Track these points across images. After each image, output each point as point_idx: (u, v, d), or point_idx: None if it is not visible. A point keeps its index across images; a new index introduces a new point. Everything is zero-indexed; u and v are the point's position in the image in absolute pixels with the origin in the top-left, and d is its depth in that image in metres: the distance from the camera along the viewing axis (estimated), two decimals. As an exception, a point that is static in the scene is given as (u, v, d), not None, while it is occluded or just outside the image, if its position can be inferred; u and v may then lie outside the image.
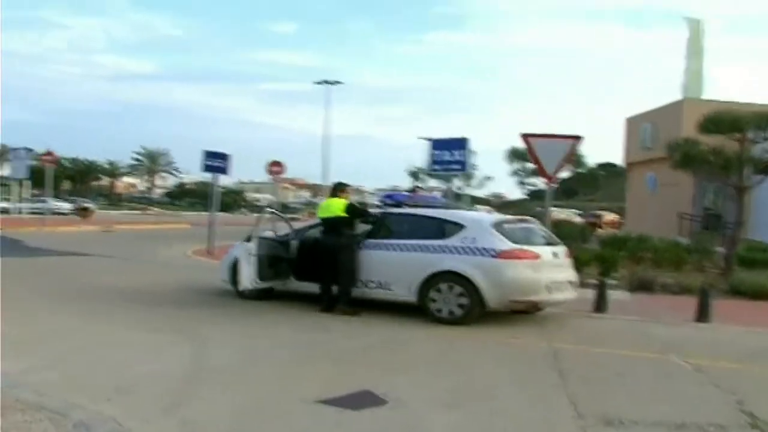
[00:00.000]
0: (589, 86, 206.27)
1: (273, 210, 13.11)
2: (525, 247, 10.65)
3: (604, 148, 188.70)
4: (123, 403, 5.95)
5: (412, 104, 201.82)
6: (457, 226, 10.96)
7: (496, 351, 8.79)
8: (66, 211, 61.01)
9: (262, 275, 11.42)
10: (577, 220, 61.86)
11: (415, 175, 57.14)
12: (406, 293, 10.90)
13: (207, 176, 24.33)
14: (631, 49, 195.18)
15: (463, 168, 15.61)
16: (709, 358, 8.67)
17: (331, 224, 11.34)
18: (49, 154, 38.92)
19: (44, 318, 10.07)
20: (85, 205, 59.31)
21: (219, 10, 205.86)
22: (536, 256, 10.63)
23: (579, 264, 16.94)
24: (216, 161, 22.33)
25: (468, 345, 9.12)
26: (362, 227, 11.65)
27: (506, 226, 11.06)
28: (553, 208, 60.63)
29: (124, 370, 7.09)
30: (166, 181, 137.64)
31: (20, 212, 45.96)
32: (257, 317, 10.70)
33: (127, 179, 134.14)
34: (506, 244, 10.52)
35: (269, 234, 12.37)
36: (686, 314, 11.74)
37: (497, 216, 11.70)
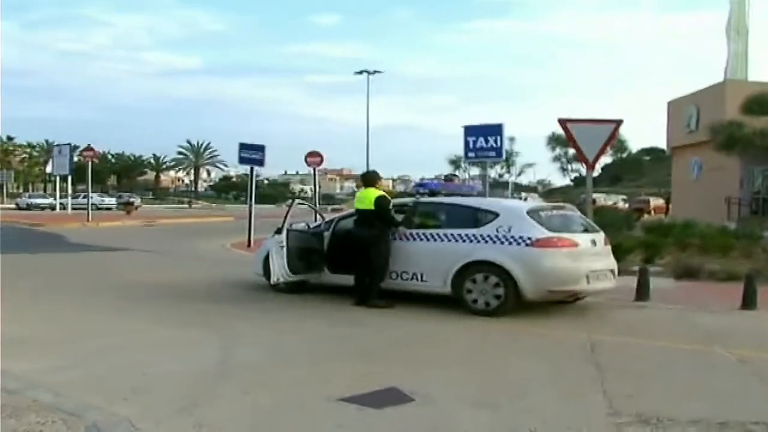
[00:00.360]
0: (632, 72, 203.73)
1: (302, 200, 12.92)
2: (562, 235, 10.31)
3: (649, 133, 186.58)
4: (140, 403, 5.78)
5: (456, 93, 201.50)
6: (491, 215, 10.65)
7: (531, 344, 8.47)
8: (111, 206, 61.74)
9: (293, 268, 11.24)
10: (624, 206, 61.15)
11: (455, 163, 56.51)
12: (441, 285, 10.62)
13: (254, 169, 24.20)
14: (673, 33, 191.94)
15: (498, 154, 15.23)
16: (755, 349, 8.26)
17: (364, 216, 11.08)
18: (89, 149, 39.30)
19: (73, 315, 10.00)
20: (130, 200, 59.76)
21: (260, 4, 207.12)
22: (574, 244, 10.28)
23: (622, 251, 16.55)
24: (252, 153, 22.23)
25: (502, 338, 8.82)
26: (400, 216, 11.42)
27: (542, 213, 10.72)
28: (599, 195, 59.70)
29: (146, 369, 6.93)
30: (211, 175, 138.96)
31: (65, 208, 46.44)
32: (289, 311, 10.53)
33: (173, 173, 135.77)
34: (542, 232, 10.19)
35: (301, 226, 12.19)
36: (732, 302, 11.26)
37: (533, 203, 11.38)
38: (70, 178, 41.33)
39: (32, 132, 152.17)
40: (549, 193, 76.33)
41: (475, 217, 10.83)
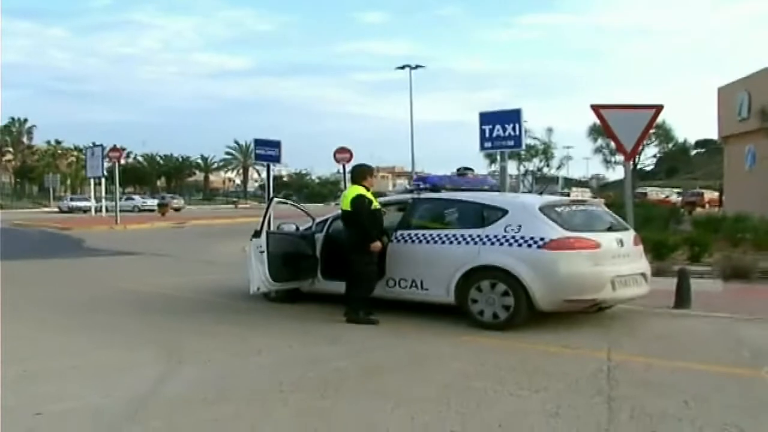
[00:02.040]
0: (684, 63, 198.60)
1: (283, 199, 11.55)
2: (581, 235, 8.77)
3: (702, 125, 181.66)
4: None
5: (506, 88, 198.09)
6: (499, 212, 9.16)
7: (537, 368, 6.93)
8: (153, 208, 61.30)
9: (275, 275, 9.86)
10: (677, 200, 58.77)
11: (491, 156, 54.48)
12: (444, 293, 9.15)
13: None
14: (726, 21, 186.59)
15: (517, 144, 13.63)
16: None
17: (344, 218, 9.65)
18: (115, 150, 38.60)
19: (19, 332, 8.75)
20: (164, 201, 59.22)
21: (306, 3, 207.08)
22: (595, 245, 8.73)
23: (666, 249, 14.92)
24: (268, 149, 20.86)
25: (504, 360, 7.30)
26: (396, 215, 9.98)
27: (558, 209, 9.17)
28: (652, 188, 57.44)
29: (49, 405, 5.66)
30: (262, 175, 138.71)
31: (99, 210, 45.87)
32: (263, 326, 9.19)
33: (224, 174, 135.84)
34: (557, 232, 8.67)
35: (290, 228, 10.85)
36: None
37: (546, 198, 9.82)
38: (117, 181, 40.44)
39: (85, 136, 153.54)
40: (603, 187, 73.68)
41: (481, 215, 9.35)
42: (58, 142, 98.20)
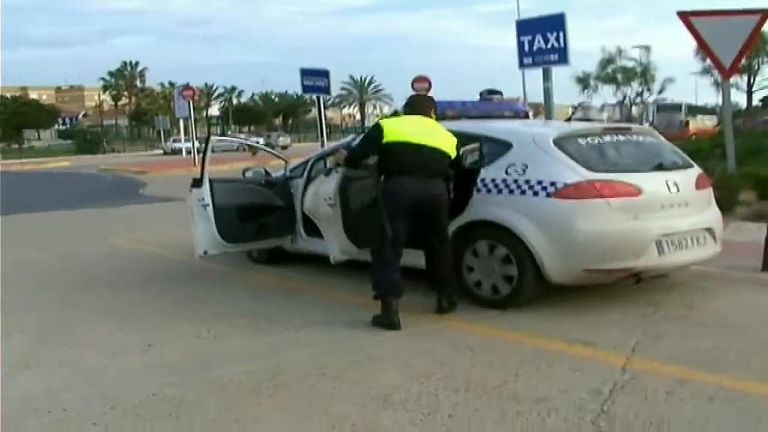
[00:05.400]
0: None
1: (227, 138, 9.29)
2: (612, 176, 6.22)
3: None
4: None
5: (636, 13, 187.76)
6: (500, 146, 6.69)
7: (523, 379, 4.58)
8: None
9: (229, 235, 7.71)
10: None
11: (583, 82, 50.07)
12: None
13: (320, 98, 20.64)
14: None
15: (562, 58, 10.75)
16: None
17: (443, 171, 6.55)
18: (188, 88, 37.07)
19: None
20: (254, 141, 57.83)
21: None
22: (634, 191, 6.16)
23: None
24: (316, 80, 18.65)
25: (477, 361, 4.98)
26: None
27: (582, 141, 6.54)
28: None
29: None
30: (383, 110, 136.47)
31: (190, 152, 44.78)
32: (203, 299, 7.17)
33: (345, 111, 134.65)
34: (575, 173, 6.15)
35: (256, 172, 8.69)
36: None
37: (567, 126, 7.21)
38: (192, 120, 39.07)
39: (205, 78, 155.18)
40: (735, 115, 67.48)
41: (482, 152, 6.94)
42: (171, 84, 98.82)
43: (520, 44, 11.09)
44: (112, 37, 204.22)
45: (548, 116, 11.15)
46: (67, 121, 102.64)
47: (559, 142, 6.40)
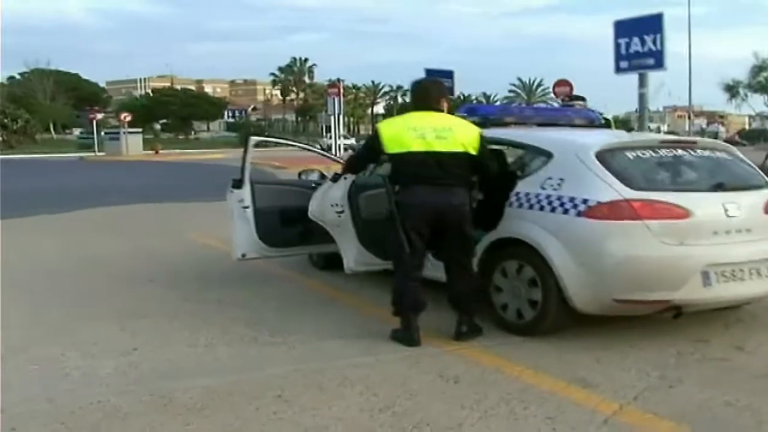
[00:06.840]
0: None
1: (266, 138, 8.94)
2: (656, 196, 5.51)
3: None
4: None
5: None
6: (540, 156, 6.10)
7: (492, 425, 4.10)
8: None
9: (271, 239, 7.42)
10: None
11: (732, 90, 46.46)
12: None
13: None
14: None
15: (658, 62, 9.75)
16: None
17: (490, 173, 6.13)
18: (333, 85, 37.46)
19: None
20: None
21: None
22: (680, 214, 5.42)
23: None
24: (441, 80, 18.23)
25: (452, 397, 4.48)
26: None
27: (629, 155, 5.80)
28: None
29: None
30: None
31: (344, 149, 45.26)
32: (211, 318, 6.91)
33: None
34: (611, 191, 5.47)
35: (312, 176, 8.38)
36: None
37: (619, 136, 6.43)
38: (336, 117, 39.46)
39: (374, 75, 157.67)
40: None
41: (522, 162, 6.37)
42: (339, 81, 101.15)
43: (617, 46, 10.18)
44: (289, 33, 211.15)
45: (641, 125, 10.25)
46: (236, 114, 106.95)
47: (601, 155, 5.72)
